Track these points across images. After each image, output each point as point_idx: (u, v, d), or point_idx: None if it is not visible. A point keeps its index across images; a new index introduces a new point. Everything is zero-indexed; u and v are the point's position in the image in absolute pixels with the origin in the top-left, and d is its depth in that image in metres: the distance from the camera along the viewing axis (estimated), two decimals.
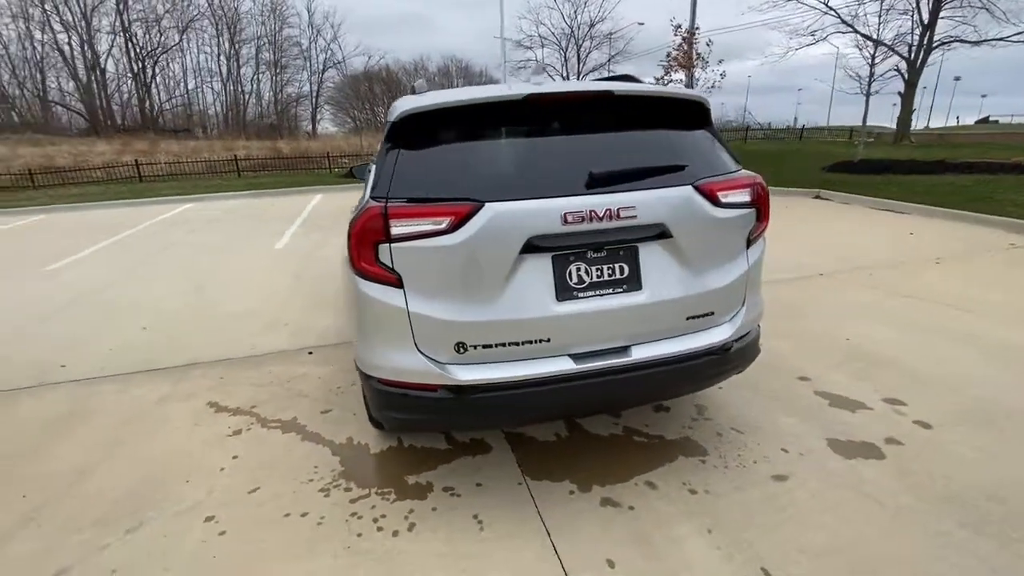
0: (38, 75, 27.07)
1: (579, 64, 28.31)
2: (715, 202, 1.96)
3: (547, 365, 1.86)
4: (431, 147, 1.87)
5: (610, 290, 1.89)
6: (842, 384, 2.94)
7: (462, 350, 1.82)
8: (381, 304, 1.80)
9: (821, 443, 2.41)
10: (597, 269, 1.87)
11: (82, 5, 26.39)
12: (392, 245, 1.74)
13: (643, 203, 1.84)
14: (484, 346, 1.83)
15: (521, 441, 2.53)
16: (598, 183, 1.84)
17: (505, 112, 1.89)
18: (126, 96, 29.47)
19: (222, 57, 32.53)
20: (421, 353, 1.82)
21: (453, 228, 1.72)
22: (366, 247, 1.75)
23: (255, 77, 33.49)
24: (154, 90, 29.68)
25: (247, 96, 33.35)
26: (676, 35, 14.61)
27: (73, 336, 4.19)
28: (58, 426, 2.86)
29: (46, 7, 25.70)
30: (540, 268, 1.81)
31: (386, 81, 38.68)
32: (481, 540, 1.93)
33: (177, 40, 30.27)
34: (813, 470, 2.23)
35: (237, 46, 33.02)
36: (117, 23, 27.55)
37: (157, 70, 29.39)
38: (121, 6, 27.27)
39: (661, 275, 1.93)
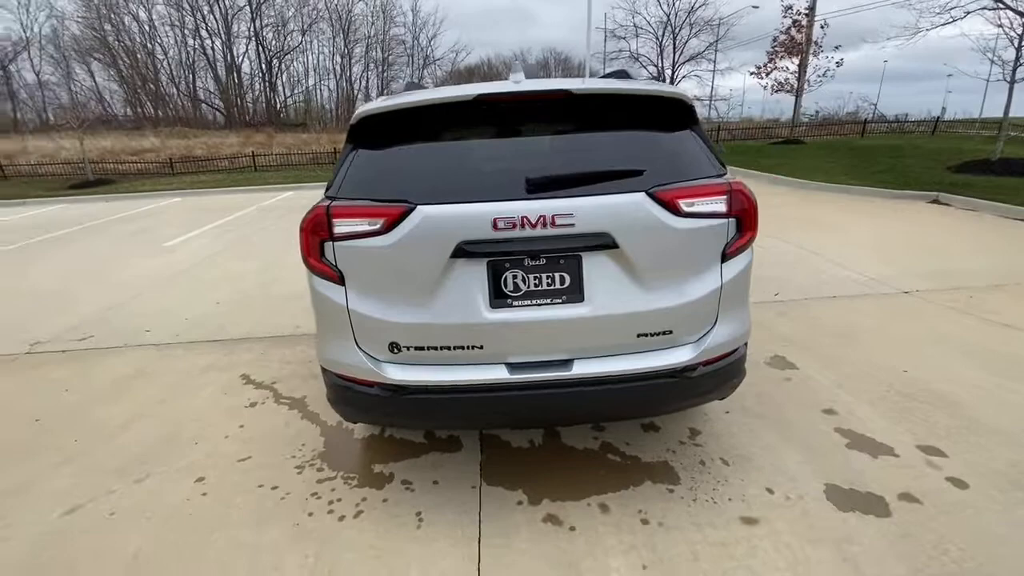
0: (189, 76, 31.64)
1: (675, 54, 26.75)
2: (675, 211, 1.79)
3: (481, 372, 1.83)
4: (383, 149, 1.91)
5: (548, 300, 1.80)
6: (874, 423, 2.55)
7: (396, 350, 1.86)
8: (327, 299, 1.88)
9: (817, 488, 2.12)
10: (535, 277, 1.79)
11: (224, 13, 30.28)
12: (335, 243, 1.81)
13: (583, 210, 1.73)
14: (417, 348, 1.84)
15: (493, 444, 2.52)
16: (536, 188, 1.76)
17: (456, 113, 1.87)
18: (256, 93, 33.51)
19: (336, 56, 35.55)
20: (361, 349, 1.89)
21: (387, 229, 1.75)
22: (313, 244, 1.84)
23: (364, 75, 36.17)
24: (279, 88, 33.44)
25: (356, 92, 36.17)
26: (786, 16, 13.23)
27: (164, 306, 4.86)
28: (124, 383, 3.36)
29: (196, 16, 29.96)
30: (474, 273, 1.78)
31: (487, 75, 39.47)
32: (413, 538, 1.97)
33: (299, 42, 33.64)
34: (793, 518, 1.97)
35: (350, 46, 35.74)
36: (251, 28, 31.19)
37: (282, 69, 32.99)
38: (254, 12, 30.79)
39: (607, 288, 1.81)
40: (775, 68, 13.50)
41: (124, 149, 20.71)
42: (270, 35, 31.63)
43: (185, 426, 2.82)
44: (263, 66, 31.61)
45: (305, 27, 33.20)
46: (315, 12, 32.91)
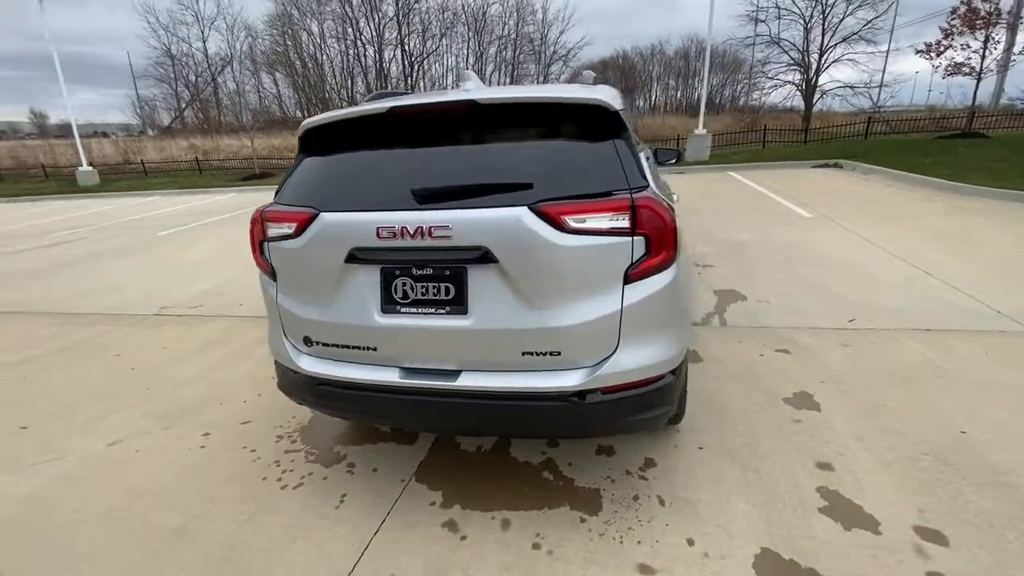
0: (348, 81, 36.02)
1: (823, 36, 23.09)
2: (560, 227, 1.68)
3: (375, 373, 1.93)
4: (316, 158, 2.09)
5: (433, 309, 1.83)
6: (875, 490, 2.10)
7: (309, 344, 2.04)
8: (266, 292, 2.14)
9: (750, 551, 1.84)
10: (422, 287, 1.83)
11: (377, 24, 33.89)
12: (268, 243, 2.04)
13: (460, 223, 1.72)
14: (324, 344, 2.00)
15: (443, 444, 2.60)
16: (423, 199, 1.79)
17: (375, 125, 1.96)
18: None
19: (471, 57, 37.44)
20: (287, 339, 2.10)
21: (298, 233, 1.92)
22: (256, 242, 2.10)
23: (494, 74, 37.46)
24: (420, 89, 36.22)
25: None
26: None
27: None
28: (205, 347, 4.08)
29: (354, 29, 34.01)
30: (368, 278, 1.88)
31: (621, 68, 38.34)
32: (325, 516, 2.15)
33: (437, 45, 36.08)
34: None
35: (484, 47, 37.41)
36: (397, 36, 34.28)
37: (423, 72, 35.79)
38: (400, 21, 33.83)
39: (491, 302, 1.77)
40: (949, 46, 10.98)
41: (287, 146, 24.52)
42: (414, 41, 34.87)
43: (221, 389, 3.36)
44: (405, 70, 34.75)
45: (443, 31, 35.62)
46: (453, 16, 35.21)
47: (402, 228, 1.75)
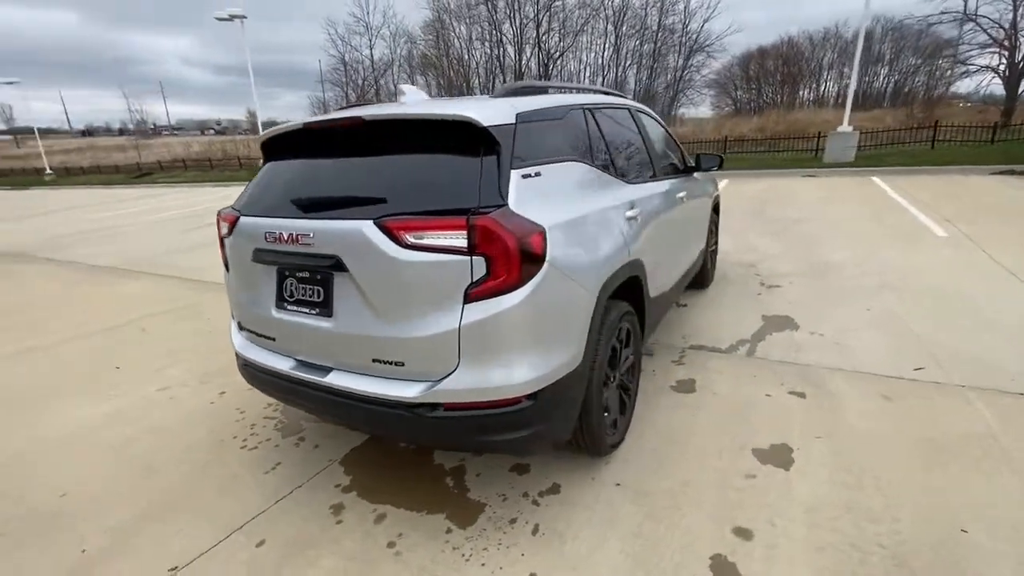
0: (491, 82, 37.65)
1: None
2: (399, 242, 1.72)
3: (277, 360, 2.16)
4: (266, 165, 2.38)
5: (307, 310, 1.99)
6: (783, 566, 1.76)
7: (240, 328, 2.34)
8: (225, 279, 2.51)
9: None
10: (301, 288, 2.00)
11: (519, 26, 34.87)
12: (222, 239, 2.40)
13: (319, 232, 1.85)
14: (248, 329, 2.29)
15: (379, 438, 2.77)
16: (300, 208, 1.95)
17: (296, 138, 2.18)
18: None
19: (608, 52, 36.56)
20: (235, 320, 2.45)
21: (230, 232, 2.23)
22: (220, 239, 2.47)
23: (630, 68, 36.13)
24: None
25: (619, 87, 36.24)
26: None
27: None
28: None
29: (499, 31, 35.45)
30: (268, 276, 2.11)
31: (784, 55, 34.03)
32: (255, 476, 2.46)
33: (571, 42, 35.79)
34: None
35: (621, 40, 36.10)
36: (535, 36, 34.83)
37: (558, 69, 35.84)
38: (539, 21, 34.30)
39: (348, 307, 1.88)
40: None
41: None
42: (554, 38, 35.21)
43: None
44: (540, 68, 35.24)
45: (578, 28, 35.33)
46: (591, 12, 34.67)
47: (279, 234, 1.95)
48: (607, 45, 37.18)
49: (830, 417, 2.70)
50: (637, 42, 36.39)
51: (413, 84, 40.53)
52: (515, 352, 1.77)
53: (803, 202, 9.22)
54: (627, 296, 2.54)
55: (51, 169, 31.19)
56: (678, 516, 2.07)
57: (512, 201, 1.75)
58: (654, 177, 3.16)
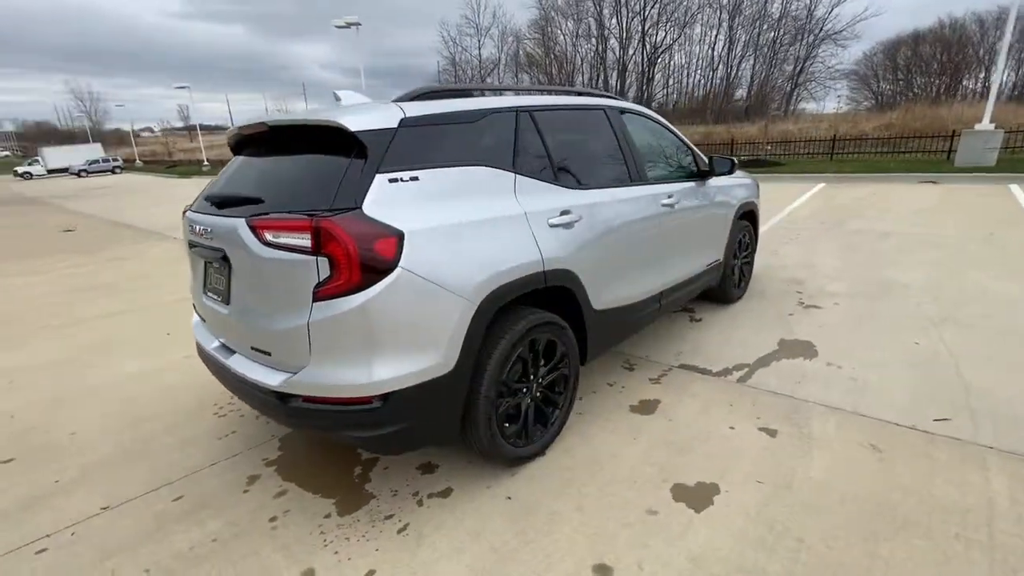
0: (595, 78, 36.92)
1: None
2: (261, 240, 1.83)
3: (208, 341, 2.41)
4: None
5: (215, 296, 2.19)
6: None
7: (195, 308, 2.64)
8: None
9: None
10: (213, 276, 2.22)
11: (626, 22, 33.64)
12: None
13: (213, 227, 2.03)
14: (197, 311, 2.58)
15: None
16: (213, 205, 2.14)
17: (239, 141, 2.40)
18: (634, 88, 35.77)
19: (720, 44, 33.66)
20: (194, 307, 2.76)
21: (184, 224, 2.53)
22: None
23: (746, 59, 32.83)
24: (657, 82, 34.66)
25: (738, 78, 33.32)
26: None
27: None
28: None
29: (600, 25, 34.51)
30: (199, 264, 2.36)
31: (942, 40, 28.57)
32: (212, 441, 2.76)
33: (679, 35, 33.47)
34: None
35: (735, 31, 32.98)
36: (640, 30, 33.27)
37: (661, 65, 34.03)
38: (644, 15, 32.65)
39: (238, 297, 2.04)
40: None
41: None
42: (660, 33, 33.46)
43: None
44: (645, 63, 33.66)
45: (687, 20, 33.04)
46: (701, 1, 32.26)
47: (195, 227, 2.18)
48: (719, 36, 34.58)
49: (788, 463, 2.36)
50: (755, 32, 33.33)
51: (517, 82, 41.25)
52: (363, 352, 1.81)
53: (901, 213, 7.92)
54: (552, 306, 2.44)
55: (208, 161, 36.64)
56: (547, 540, 1.97)
57: (368, 204, 1.79)
58: (632, 182, 2.97)
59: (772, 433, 2.60)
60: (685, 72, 35.60)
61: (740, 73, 34.10)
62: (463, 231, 1.99)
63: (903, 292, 4.46)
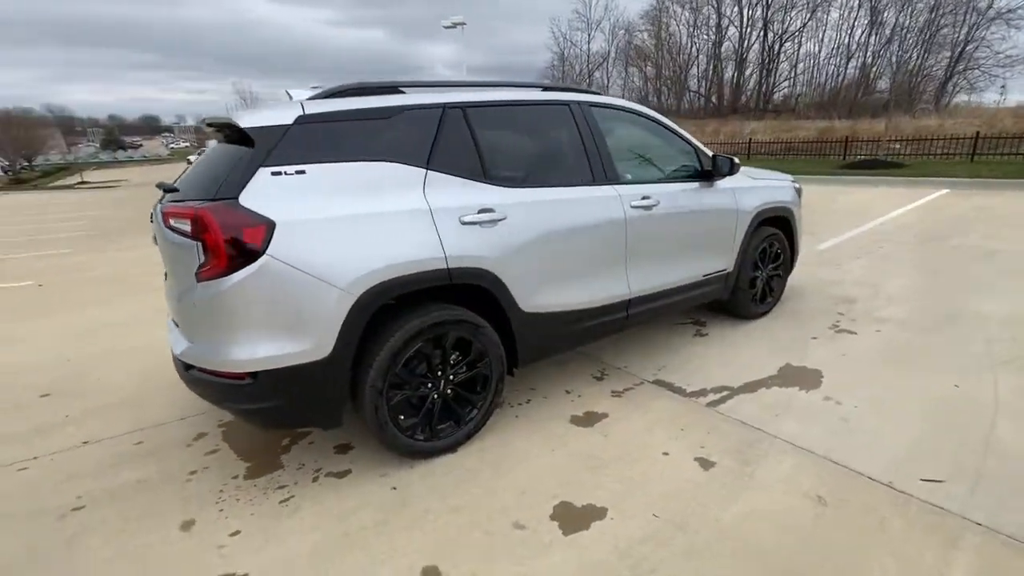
0: (710, 70, 34.19)
1: None
2: (166, 225, 2.04)
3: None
4: None
5: (166, 270, 2.48)
6: None
7: None
8: None
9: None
10: None
11: (746, 8, 30.60)
12: None
13: (155, 214, 2.29)
14: None
15: None
16: (164, 192, 2.42)
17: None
18: (753, 79, 32.29)
19: (858, 30, 29.00)
20: None
21: None
22: None
23: (893, 44, 27.79)
24: (779, 71, 30.93)
25: (871, 69, 28.29)
26: None
27: None
28: None
29: (719, 14, 31.75)
30: None
31: None
32: (175, 403, 3.14)
33: (808, 19, 29.36)
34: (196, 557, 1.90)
35: (877, 15, 28.16)
36: (763, 15, 29.92)
37: (786, 55, 30.21)
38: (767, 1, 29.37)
39: (168, 275, 2.31)
40: None
41: None
42: (788, 18, 29.98)
43: None
44: (765, 53, 30.30)
45: (817, 3, 28.98)
46: None
47: (152, 214, 2.48)
48: (859, 19, 30.14)
49: (702, 501, 2.11)
50: (905, 13, 28.48)
51: (626, 76, 40.03)
52: (233, 332, 1.96)
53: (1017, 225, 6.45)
54: (472, 304, 2.41)
55: None
56: (402, 535, 1.97)
57: (246, 195, 1.92)
58: (595, 181, 2.81)
59: (708, 465, 2.33)
60: (814, 62, 31.78)
61: (882, 61, 29.51)
62: (346, 224, 2.05)
63: (975, 324, 3.66)
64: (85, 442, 2.71)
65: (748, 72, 33.54)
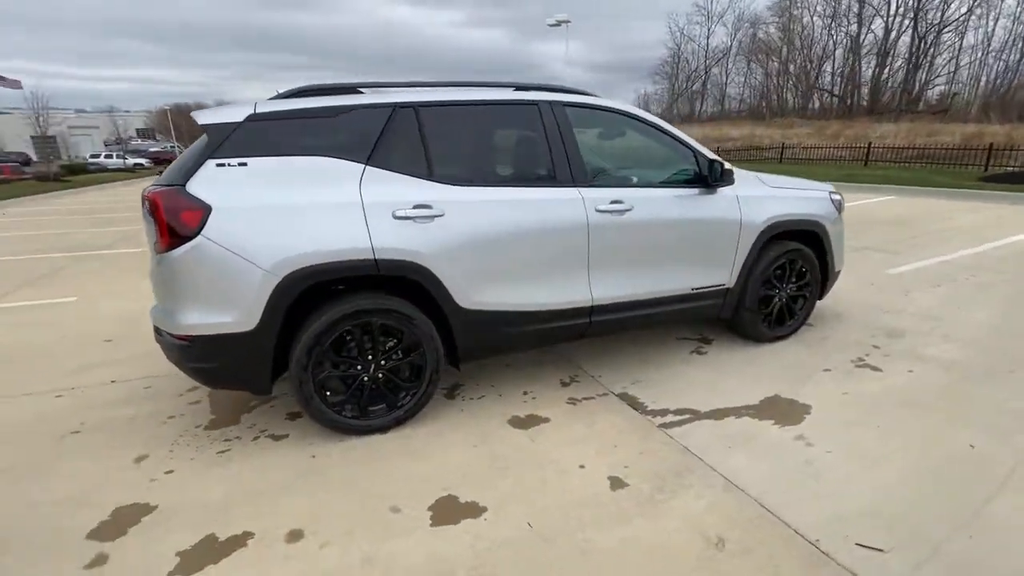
0: (847, 64, 29.95)
1: None
2: (143, 205, 2.39)
3: None
4: None
5: None
6: None
7: None
8: None
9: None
10: None
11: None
12: None
13: None
14: None
15: None
16: None
17: None
18: (899, 76, 27.37)
19: None
20: None
21: None
22: None
23: None
24: (932, 67, 25.78)
25: None
26: None
27: None
28: None
29: (862, 3, 27.47)
30: None
31: None
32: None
33: (970, 7, 24.02)
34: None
35: None
36: (911, 3, 25.28)
37: (939, 48, 25.10)
38: None
39: None
40: None
41: (708, 136, 25.51)
42: (945, 7, 25.15)
43: None
44: (914, 45, 25.64)
45: None
46: None
47: None
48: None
49: (587, 519, 2.01)
50: None
51: (749, 70, 36.81)
52: (176, 300, 2.27)
53: None
54: (412, 296, 2.52)
55: None
56: (290, 499, 2.13)
57: (193, 183, 2.20)
58: (557, 182, 2.76)
59: (619, 486, 2.21)
60: (980, 55, 26.61)
61: None
62: (277, 212, 2.26)
63: None
64: (113, 381, 3.27)
65: (895, 67, 29.22)
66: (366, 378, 2.53)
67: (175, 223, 2.17)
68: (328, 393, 2.50)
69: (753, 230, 3.24)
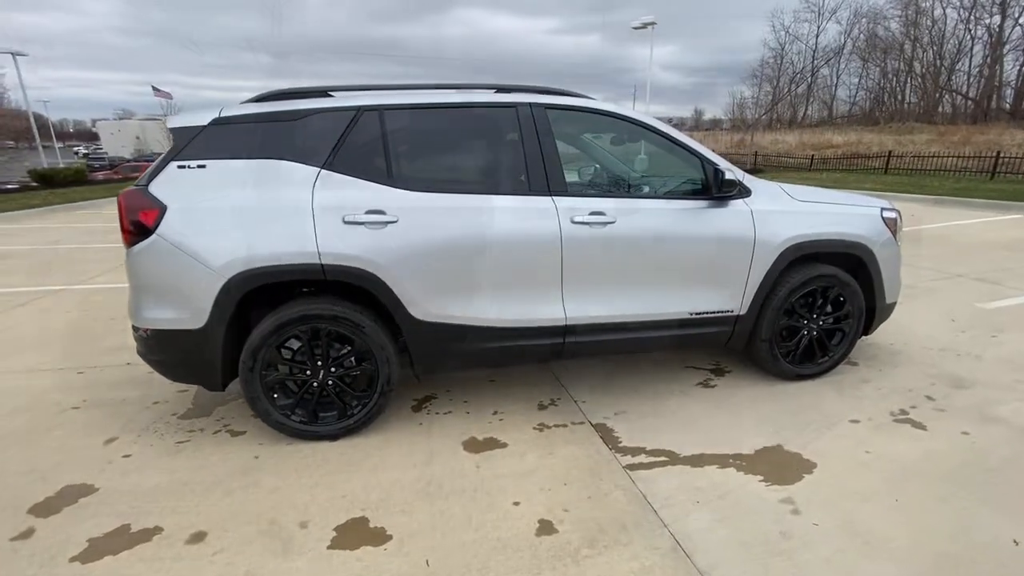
0: (972, 62, 25.48)
1: None
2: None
3: None
4: None
5: None
6: None
7: None
8: None
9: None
10: None
11: None
12: None
13: None
14: None
15: None
16: None
17: None
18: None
19: None
20: None
21: None
22: None
23: None
24: None
25: None
26: None
27: None
28: None
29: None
30: None
31: None
32: None
33: None
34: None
35: None
36: None
37: None
38: None
39: None
40: None
41: (806, 143, 23.83)
42: None
43: None
44: None
45: None
46: None
47: None
48: None
49: (492, 567, 1.81)
50: None
51: (865, 70, 32.77)
52: (137, 295, 2.37)
53: None
54: (367, 304, 2.46)
55: None
56: (212, 499, 2.13)
57: (155, 184, 2.29)
58: (530, 191, 2.56)
59: (547, 531, 1.97)
60: None
61: None
62: (227, 214, 2.29)
63: None
64: (128, 363, 3.54)
65: None
66: (315, 384, 2.50)
67: (135, 222, 2.27)
68: (277, 396, 2.49)
69: (771, 250, 2.80)
